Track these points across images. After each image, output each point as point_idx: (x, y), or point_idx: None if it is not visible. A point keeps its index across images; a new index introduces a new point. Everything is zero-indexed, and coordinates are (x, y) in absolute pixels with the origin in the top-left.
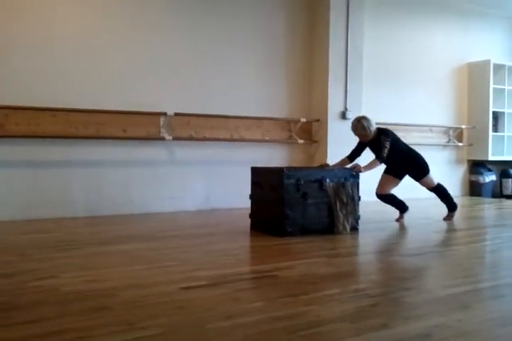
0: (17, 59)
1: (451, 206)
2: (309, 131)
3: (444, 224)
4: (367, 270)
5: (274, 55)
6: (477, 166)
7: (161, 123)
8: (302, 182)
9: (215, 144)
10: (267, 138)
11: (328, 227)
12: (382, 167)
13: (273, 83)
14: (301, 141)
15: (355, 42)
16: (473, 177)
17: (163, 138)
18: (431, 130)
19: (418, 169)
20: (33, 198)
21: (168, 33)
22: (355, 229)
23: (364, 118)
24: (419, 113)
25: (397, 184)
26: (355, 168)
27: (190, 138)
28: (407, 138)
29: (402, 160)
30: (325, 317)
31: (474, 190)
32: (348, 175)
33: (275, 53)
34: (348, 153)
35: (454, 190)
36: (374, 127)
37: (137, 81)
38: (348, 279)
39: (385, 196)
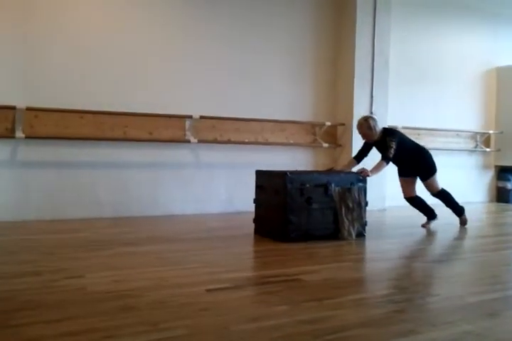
0: (47, 62)
1: (459, 210)
2: (334, 135)
3: (469, 231)
4: (391, 276)
5: (300, 59)
6: (504, 172)
7: (187, 126)
8: (306, 186)
9: (240, 147)
10: (291, 142)
11: (333, 233)
12: (395, 171)
13: (298, 86)
14: (325, 145)
15: (382, 46)
16: (501, 184)
17: (189, 141)
18: (458, 135)
19: (425, 168)
20: (60, 199)
21: (195, 37)
22: (361, 235)
23: (371, 117)
24: (446, 117)
25: (416, 182)
26: (362, 172)
27: (215, 141)
28: (433, 142)
29: (409, 159)
30: (351, 322)
31: (501, 196)
32: (355, 179)
33: (301, 57)
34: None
35: (481, 196)
36: (380, 128)
37: (164, 84)
38: (373, 284)
39: (412, 199)
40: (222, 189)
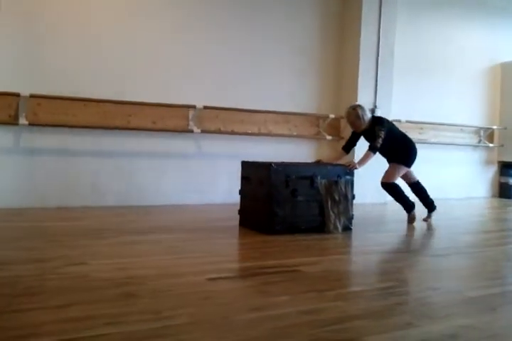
0: (51, 49)
1: (409, 206)
2: (337, 128)
3: (471, 226)
4: (391, 269)
5: (305, 51)
6: (507, 168)
7: (190, 116)
8: (292, 178)
9: (243, 138)
10: (295, 134)
11: (319, 226)
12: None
13: (302, 78)
14: (329, 137)
15: (387, 39)
16: (503, 179)
17: (192, 131)
18: (461, 130)
19: (403, 155)
20: (64, 186)
21: (201, 27)
22: (348, 228)
23: (359, 106)
24: (450, 112)
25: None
26: (349, 165)
27: (219, 132)
28: (437, 137)
29: (396, 147)
30: (350, 313)
31: (504, 191)
32: (342, 172)
33: (306, 48)
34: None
35: (483, 191)
36: (368, 117)
37: (167, 74)
38: (373, 277)
39: (387, 185)
40: (225, 179)
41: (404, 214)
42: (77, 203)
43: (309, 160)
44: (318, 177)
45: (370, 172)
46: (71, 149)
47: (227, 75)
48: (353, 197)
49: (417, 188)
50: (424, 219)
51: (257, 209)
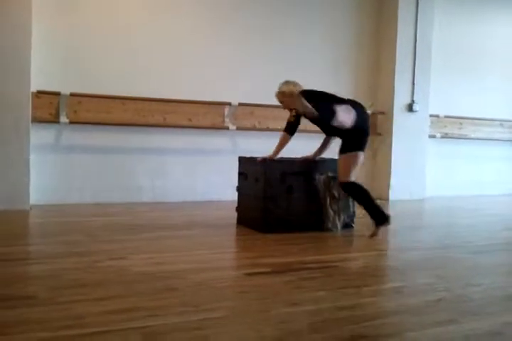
0: (91, 50)
1: (380, 217)
2: (374, 124)
3: (510, 222)
4: (430, 265)
5: (340, 45)
6: None
7: (226, 113)
8: (288, 174)
9: (278, 134)
10: None
11: (317, 224)
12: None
13: (337, 73)
14: None
15: (425, 32)
16: None
17: (227, 128)
18: (501, 125)
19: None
20: (101, 183)
21: (235, 24)
22: (349, 226)
23: (293, 82)
24: (490, 106)
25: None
26: (306, 159)
27: (254, 128)
28: (476, 132)
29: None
30: (389, 309)
31: None
32: None
33: (341, 43)
34: None
35: None
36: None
37: (203, 71)
38: (413, 273)
39: (345, 185)
40: None
41: (442, 209)
42: (114, 199)
43: None
44: (316, 173)
45: (408, 166)
46: (108, 146)
47: (261, 72)
48: None
49: (351, 189)
50: (372, 235)
51: (252, 206)
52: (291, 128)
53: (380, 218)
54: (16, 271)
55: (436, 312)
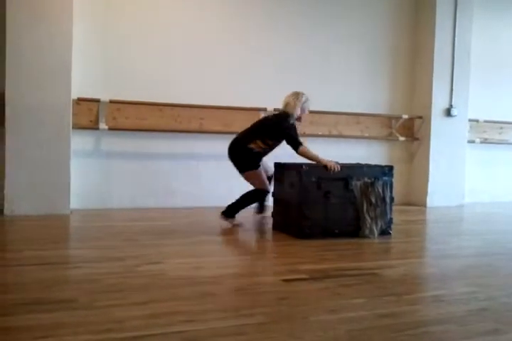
0: (129, 58)
1: (232, 212)
2: (411, 128)
3: None
4: (470, 273)
5: (377, 50)
6: None
7: None
8: (324, 180)
9: (313, 140)
10: (367, 135)
11: (354, 230)
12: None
13: (374, 78)
14: (402, 138)
15: (463, 37)
16: None
17: None
18: None
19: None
20: (138, 188)
21: (269, 29)
22: (387, 233)
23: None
24: None
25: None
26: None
27: None
28: None
29: None
30: (431, 317)
31: None
32: (379, 173)
33: (378, 48)
34: None
35: None
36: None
37: (239, 77)
38: (454, 281)
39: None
40: None
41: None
42: (150, 204)
43: (382, 163)
44: (354, 179)
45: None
46: (146, 152)
47: (296, 76)
48: (392, 199)
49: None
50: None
51: (289, 212)
52: None
53: (231, 213)
54: (56, 275)
55: (480, 322)
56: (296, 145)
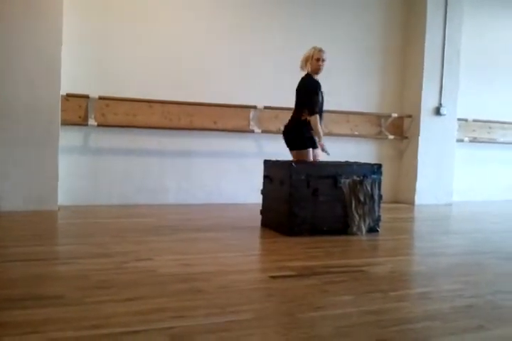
0: (118, 54)
1: None
2: (400, 127)
3: None
4: (458, 271)
5: (367, 49)
6: None
7: (251, 116)
8: (313, 177)
9: None
10: (356, 133)
11: (342, 228)
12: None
13: (364, 77)
14: (391, 137)
15: (453, 36)
16: None
17: (252, 131)
18: None
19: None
20: (127, 185)
21: (261, 28)
22: (375, 230)
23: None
24: None
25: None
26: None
27: (278, 132)
28: (506, 136)
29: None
30: (417, 314)
31: None
32: (368, 171)
33: (368, 47)
34: None
35: None
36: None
37: (229, 75)
38: (440, 279)
39: None
40: None
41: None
42: (141, 201)
43: (371, 161)
44: (342, 177)
45: (434, 171)
46: (136, 149)
47: (287, 75)
48: (381, 197)
49: None
50: None
51: (277, 209)
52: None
53: None
54: (44, 271)
55: (465, 318)
56: (311, 110)
